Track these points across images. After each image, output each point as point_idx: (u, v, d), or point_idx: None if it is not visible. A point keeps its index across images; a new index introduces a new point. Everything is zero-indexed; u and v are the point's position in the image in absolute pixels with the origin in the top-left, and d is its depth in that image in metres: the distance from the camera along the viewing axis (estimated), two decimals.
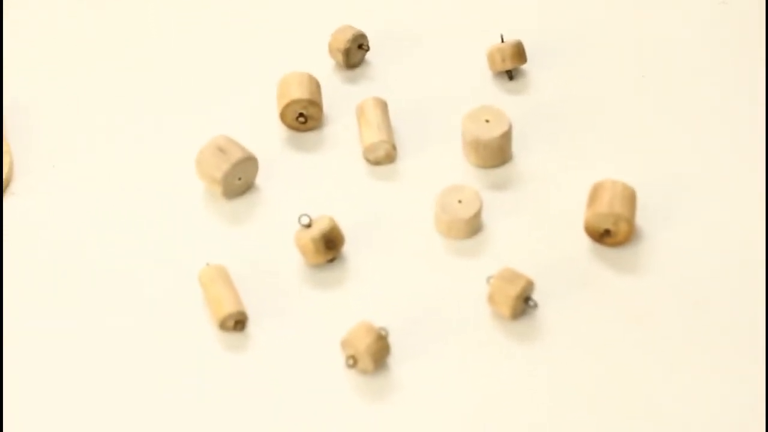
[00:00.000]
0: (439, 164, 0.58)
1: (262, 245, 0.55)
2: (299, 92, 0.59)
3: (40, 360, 0.52)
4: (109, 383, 0.51)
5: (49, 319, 0.53)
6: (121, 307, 0.54)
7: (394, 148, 0.58)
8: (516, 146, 0.59)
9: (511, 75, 0.62)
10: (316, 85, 0.60)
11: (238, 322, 0.52)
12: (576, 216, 0.56)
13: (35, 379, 0.51)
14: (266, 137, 0.60)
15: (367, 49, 0.63)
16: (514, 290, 0.52)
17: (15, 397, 0.51)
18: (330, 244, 0.54)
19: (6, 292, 0.54)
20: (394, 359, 0.51)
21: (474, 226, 0.56)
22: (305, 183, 0.58)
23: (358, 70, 0.63)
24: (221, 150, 0.57)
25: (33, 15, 0.67)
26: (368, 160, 0.59)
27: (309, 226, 0.54)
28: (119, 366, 0.52)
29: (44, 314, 0.54)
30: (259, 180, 0.58)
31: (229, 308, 0.52)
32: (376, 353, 0.50)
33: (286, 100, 0.59)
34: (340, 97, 0.62)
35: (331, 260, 0.54)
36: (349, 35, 0.63)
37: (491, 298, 0.52)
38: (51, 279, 0.55)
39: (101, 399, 0.51)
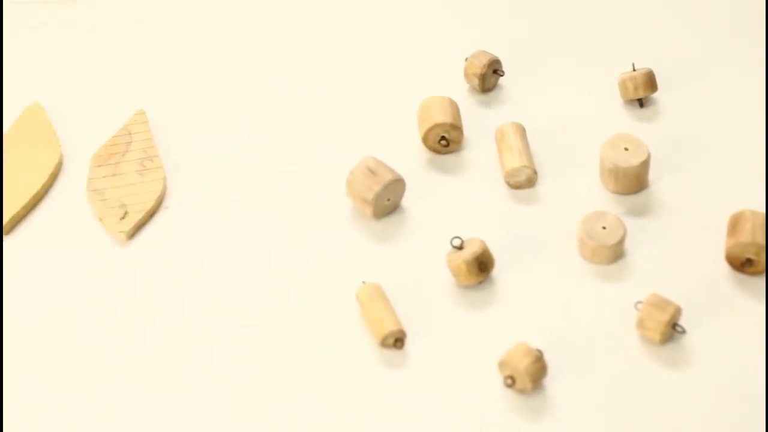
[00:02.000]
0: (576, 189, 0.61)
1: (411, 265, 0.58)
2: (442, 116, 0.62)
3: (192, 377, 0.54)
4: (268, 401, 0.53)
5: (204, 334, 0.55)
6: (278, 324, 0.56)
7: (535, 173, 0.61)
8: (650, 173, 0.61)
9: (642, 103, 0.64)
10: (456, 110, 0.63)
11: (397, 340, 0.54)
12: (713, 243, 0.58)
13: (193, 400, 0.53)
14: (409, 159, 0.62)
15: (502, 74, 0.65)
16: (665, 316, 0.54)
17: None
18: (482, 267, 0.56)
19: (158, 306, 0.56)
20: (549, 380, 0.53)
21: (617, 252, 0.58)
22: (448, 204, 0.60)
23: (492, 94, 0.65)
24: (372, 171, 0.59)
25: (186, 37, 0.69)
26: (509, 184, 0.61)
27: (461, 248, 0.56)
28: (280, 385, 0.53)
29: (199, 329, 0.55)
30: (405, 201, 0.61)
31: (390, 326, 0.54)
32: (534, 374, 0.52)
33: (429, 124, 0.62)
34: (476, 121, 0.64)
35: (481, 282, 0.57)
36: (485, 60, 0.65)
37: (641, 324, 0.54)
38: (204, 297, 0.57)
39: (261, 417, 0.53)
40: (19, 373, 0.54)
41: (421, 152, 0.62)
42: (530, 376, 0.52)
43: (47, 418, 0.53)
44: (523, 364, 0.52)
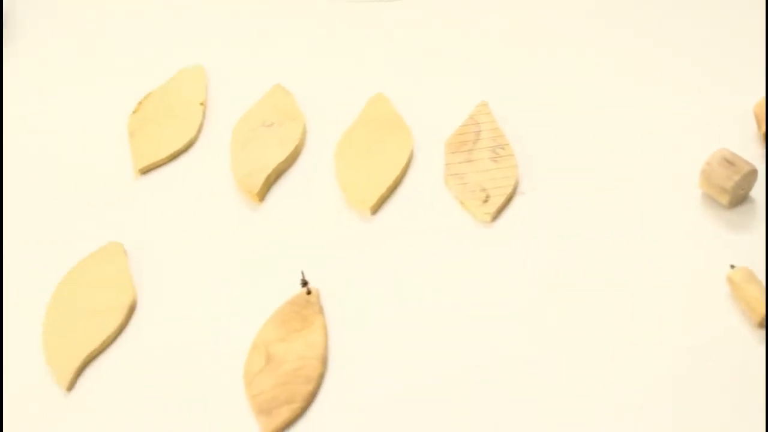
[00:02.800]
0: None
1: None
2: None
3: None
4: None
5: (566, 307, 0.57)
6: (639, 304, 0.58)
7: None
8: None
9: None
10: None
11: None
12: None
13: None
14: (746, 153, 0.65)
15: None
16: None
17: None
18: None
19: (521, 285, 0.59)
20: None
21: None
22: None
23: None
24: (729, 162, 0.62)
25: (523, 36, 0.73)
26: None
27: None
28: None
29: (559, 302, 0.58)
30: (753, 191, 0.63)
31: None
32: None
33: None
34: None
35: None
36: None
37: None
38: (565, 278, 0.59)
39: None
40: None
41: (758, 147, 0.66)
42: None
43: None
44: None
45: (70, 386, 0.57)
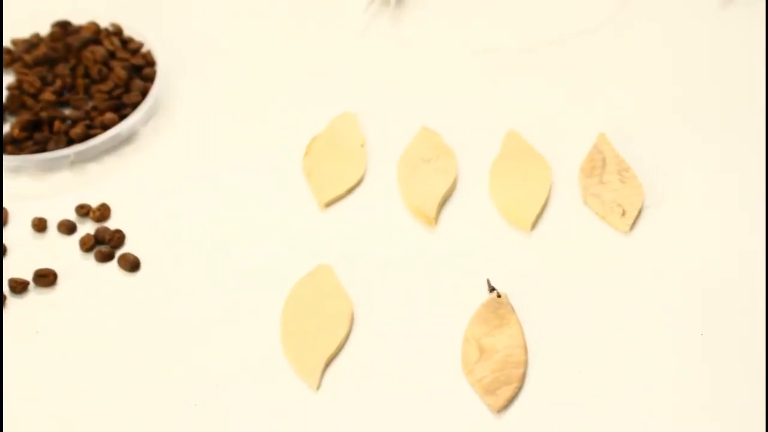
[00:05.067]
0: None
1: None
2: None
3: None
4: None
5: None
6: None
7: None
8: None
9: None
10: None
11: None
12: None
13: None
14: None
15: None
16: None
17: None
18: None
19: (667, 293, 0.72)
20: None
21: None
22: None
23: None
24: None
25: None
26: None
27: None
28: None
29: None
30: None
31: None
32: None
33: None
34: None
35: None
36: None
37: None
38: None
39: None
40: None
41: None
42: None
43: None
44: None
45: (319, 386, 0.69)
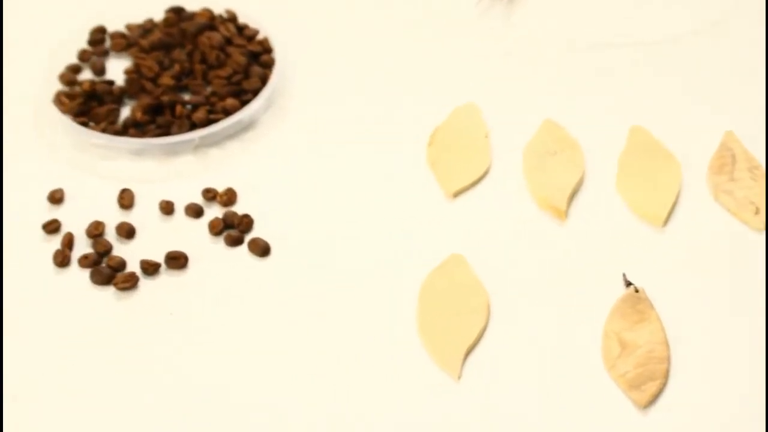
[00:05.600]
0: None
1: None
2: None
3: None
4: None
5: None
6: None
7: None
8: None
9: None
10: None
11: None
12: None
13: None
14: None
15: None
16: None
17: None
18: None
19: None
20: None
21: None
22: None
23: None
24: None
25: None
26: None
27: None
28: None
29: None
30: None
31: None
32: None
33: None
34: None
35: None
36: None
37: None
38: None
39: None
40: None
41: None
42: None
43: None
44: None
45: (460, 375, 0.68)
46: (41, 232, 0.75)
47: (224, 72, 0.86)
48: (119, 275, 0.72)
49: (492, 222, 0.77)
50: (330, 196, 0.79)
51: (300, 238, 0.76)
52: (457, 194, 0.78)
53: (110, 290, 0.72)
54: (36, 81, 0.85)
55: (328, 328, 0.71)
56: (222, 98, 0.84)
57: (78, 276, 0.73)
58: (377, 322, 0.71)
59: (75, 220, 0.76)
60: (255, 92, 0.84)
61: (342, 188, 0.79)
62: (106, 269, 0.73)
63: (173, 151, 0.81)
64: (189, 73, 0.86)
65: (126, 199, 0.78)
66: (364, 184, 0.79)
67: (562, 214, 0.76)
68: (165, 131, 0.82)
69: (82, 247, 0.75)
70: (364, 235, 0.76)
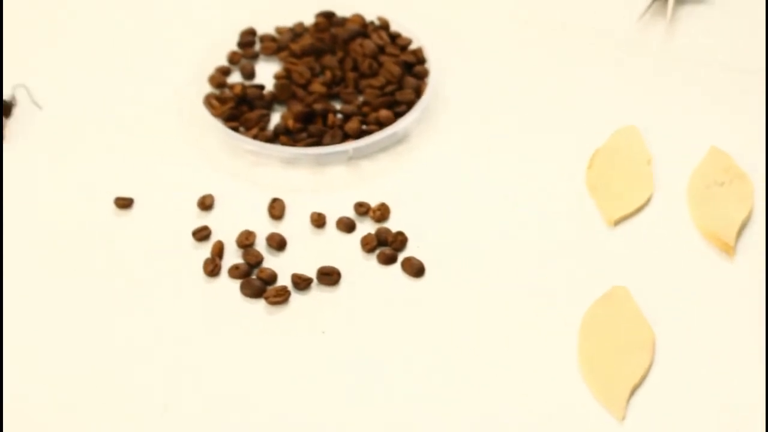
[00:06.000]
0: None
1: None
2: None
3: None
4: None
5: None
6: None
7: None
8: None
9: None
10: None
11: None
12: None
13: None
14: None
15: None
16: None
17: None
18: None
19: None
20: None
21: None
22: None
23: None
24: None
25: None
26: None
27: None
28: None
29: None
30: None
31: None
32: None
33: None
34: None
35: None
36: None
37: None
38: None
39: None
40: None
41: None
42: None
43: None
44: None
45: (624, 416, 0.65)
46: (191, 239, 0.74)
47: (377, 82, 0.84)
48: (270, 289, 0.71)
49: (655, 253, 0.73)
50: (484, 216, 0.76)
51: (453, 259, 0.73)
52: (618, 222, 0.76)
53: (260, 303, 0.71)
54: (185, 83, 0.84)
55: (483, 357, 0.68)
56: (375, 109, 0.82)
57: (228, 286, 0.72)
58: (534, 353, 0.68)
59: (224, 227, 0.75)
60: (408, 104, 0.82)
61: (497, 208, 0.76)
62: (257, 281, 0.71)
63: (325, 162, 0.79)
64: (340, 80, 0.85)
65: (277, 209, 0.76)
66: (521, 205, 0.76)
67: (731, 249, 0.73)
68: (317, 140, 0.80)
69: (232, 256, 0.74)
70: (521, 259, 0.73)
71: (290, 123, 0.81)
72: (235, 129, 0.81)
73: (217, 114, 0.82)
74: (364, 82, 0.84)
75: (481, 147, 0.81)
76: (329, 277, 0.72)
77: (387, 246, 0.74)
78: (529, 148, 0.81)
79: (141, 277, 0.72)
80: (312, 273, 0.72)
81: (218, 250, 0.73)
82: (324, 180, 0.79)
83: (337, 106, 0.82)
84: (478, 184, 0.78)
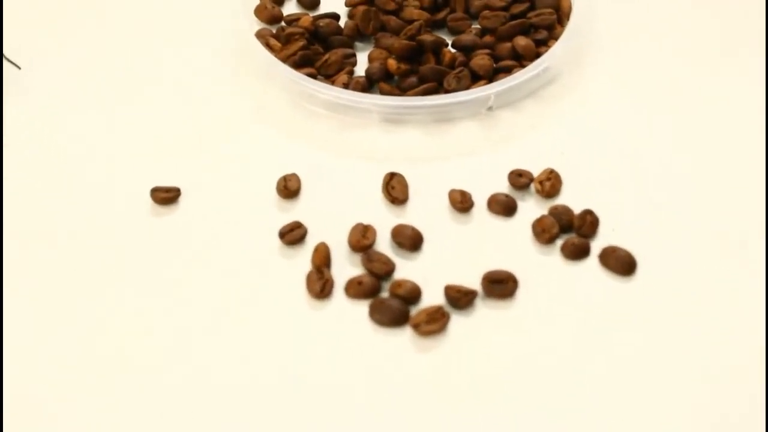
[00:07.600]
0: None
1: None
2: None
3: None
4: None
5: None
6: None
7: None
8: None
9: None
10: None
11: None
12: None
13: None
14: None
15: None
16: None
17: None
18: None
19: None
20: None
21: None
22: None
23: None
24: None
25: None
26: None
27: None
28: None
29: None
30: None
31: None
32: None
33: None
34: None
35: None
36: None
37: None
38: None
39: None
40: None
41: None
42: None
43: None
44: None
45: None
46: (278, 243, 0.49)
47: (498, 0, 0.62)
48: (418, 312, 0.47)
49: None
50: (695, 177, 0.52)
51: (671, 246, 0.49)
52: None
53: (405, 334, 0.46)
54: (225, 19, 0.58)
55: (734, 392, 0.46)
56: (503, 38, 0.59)
57: (348, 311, 0.47)
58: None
59: (320, 222, 0.50)
60: (548, 28, 0.60)
61: (709, 164, 0.53)
62: (394, 302, 0.47)
63: (450, 116, 0.56)
64: (445, 2, 0.62)
65: (398, 190, 0.51)
66: (743, 160, 0.55)
67: None
68: (435, 86, 0.56)
69: (343, 264, 0.48)
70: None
71: (391, 64, 0.58)
72: (312, 76, 0.58)
73: (283, 58, 0.58)
74: (477, 2, 0.62)
75: (665, 79, 0.57)
76: (502, 285, 0.47)
77: (572, 232, 0.52)
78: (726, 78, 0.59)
79: (216, 311, 0.47)
80: (473, 282, 0.48)
81: (324, 258, 0.48)
82: (452, 142, 0.54)
83: (446, 38, 0.59)
84: (674, 134, 0.55)
